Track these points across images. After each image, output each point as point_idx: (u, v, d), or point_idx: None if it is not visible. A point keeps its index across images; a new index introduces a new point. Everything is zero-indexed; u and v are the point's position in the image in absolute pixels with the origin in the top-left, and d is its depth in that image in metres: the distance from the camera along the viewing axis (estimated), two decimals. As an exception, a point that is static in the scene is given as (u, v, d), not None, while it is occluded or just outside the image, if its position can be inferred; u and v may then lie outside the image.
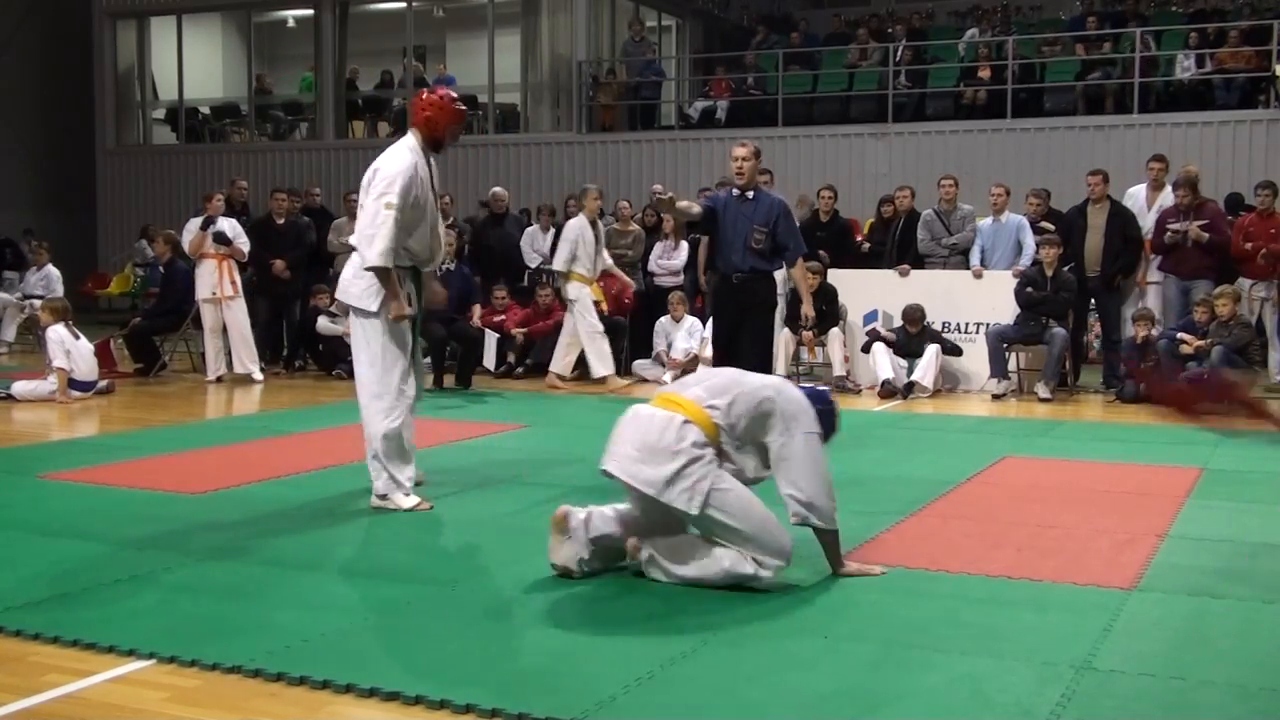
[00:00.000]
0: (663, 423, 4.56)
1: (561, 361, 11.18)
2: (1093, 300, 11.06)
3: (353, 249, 6.04)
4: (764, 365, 7.46)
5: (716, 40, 20.67)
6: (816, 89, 17.68)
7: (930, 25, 19.48)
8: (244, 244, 11.55)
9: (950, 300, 11.11)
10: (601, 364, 10.96)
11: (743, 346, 7.36)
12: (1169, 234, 10.52)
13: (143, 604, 4.38)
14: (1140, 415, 9.52)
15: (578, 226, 10.92)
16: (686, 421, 4.53)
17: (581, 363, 11.25)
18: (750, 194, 7.24)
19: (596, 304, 11.19)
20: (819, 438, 4.61)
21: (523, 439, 8.28)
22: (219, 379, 11.37)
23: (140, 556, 5.00)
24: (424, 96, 6.16)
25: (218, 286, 11.33)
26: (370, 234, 5.77)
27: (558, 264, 11.04)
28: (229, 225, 11.50)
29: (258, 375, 11.45)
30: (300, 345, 12.38)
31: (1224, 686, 3.63)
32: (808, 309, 7.92)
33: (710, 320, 7.97)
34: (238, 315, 11.44)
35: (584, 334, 10.97)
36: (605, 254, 11.34)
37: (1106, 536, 5.45)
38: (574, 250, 10.81)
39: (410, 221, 5.86)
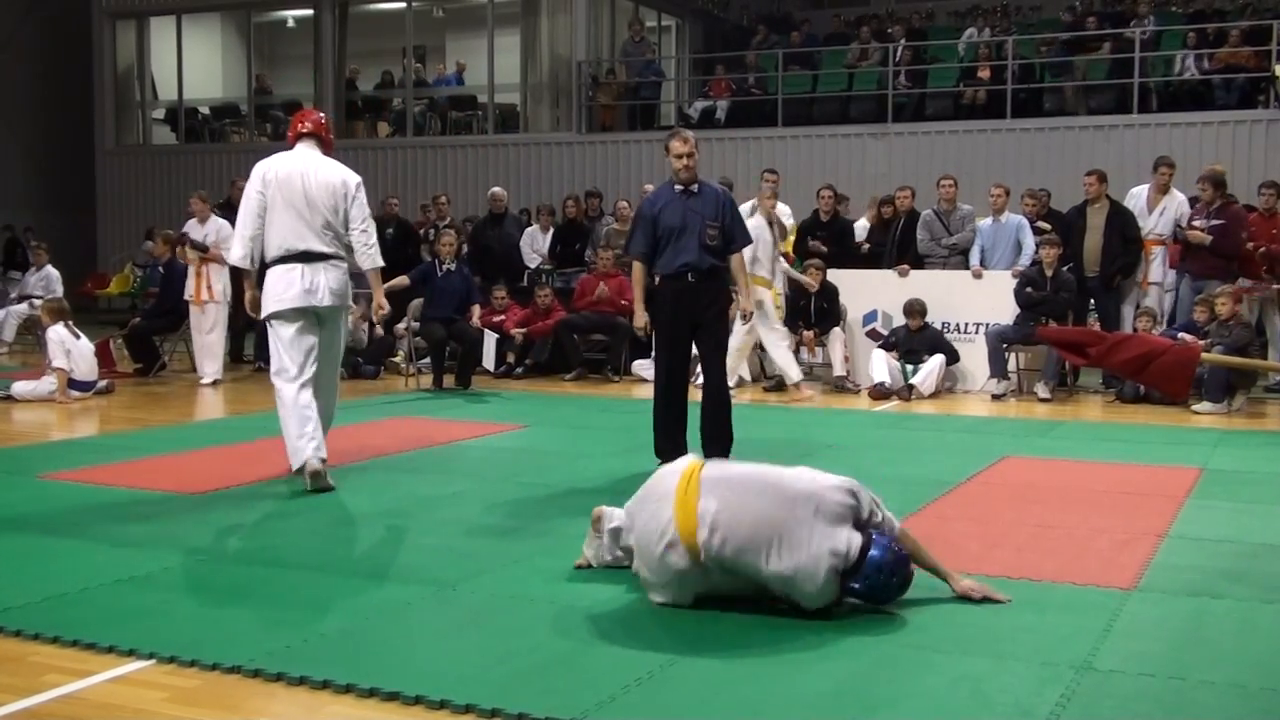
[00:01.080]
0: (657, 526, 4.27)
1: (733, 373, 10.14)
2: (1092, 300, 11.06)
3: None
4: (722, 367, 7.18)
5: (717, 40, 20.67)
6: (816, 89, 17.68)
7: (930, 25, 19.49)
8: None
9: (950, 300, 11.11)
10: (793, 370, 10.55)
11: (706, 351, 7.04)
12: (1178, 230, 10.64)
13: (143, 604, 4.38)
14: (1140, 415, 9.53)
15: (755, 226, 9.94)
16: (673, 544, 4.20)
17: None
18: (695, 188, 6.93)
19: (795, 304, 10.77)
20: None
21: (522, 439, 8.28)
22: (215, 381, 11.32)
23: (140, 556, 5.00)
24: (323, 117, 6.99)
25: (194, 293, 11.28)
26: (375, 243, 6.66)
27: None
28: (216, 227, 11.40)
29: (205, 379, 11.18)
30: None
31: (1224, 686, 3.64)
32: (745, 303, 7.38)
33: (656, 326, 7.10)
34: (204, 320, 11.23)
35: (769, 342, 10.52)
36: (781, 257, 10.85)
37: (1106, 536, 5.45)
38: (754, 252, 9.81)
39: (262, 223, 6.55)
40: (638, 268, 7.09)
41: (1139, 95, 15.32)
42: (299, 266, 6.34)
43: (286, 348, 6.38)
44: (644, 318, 7.10)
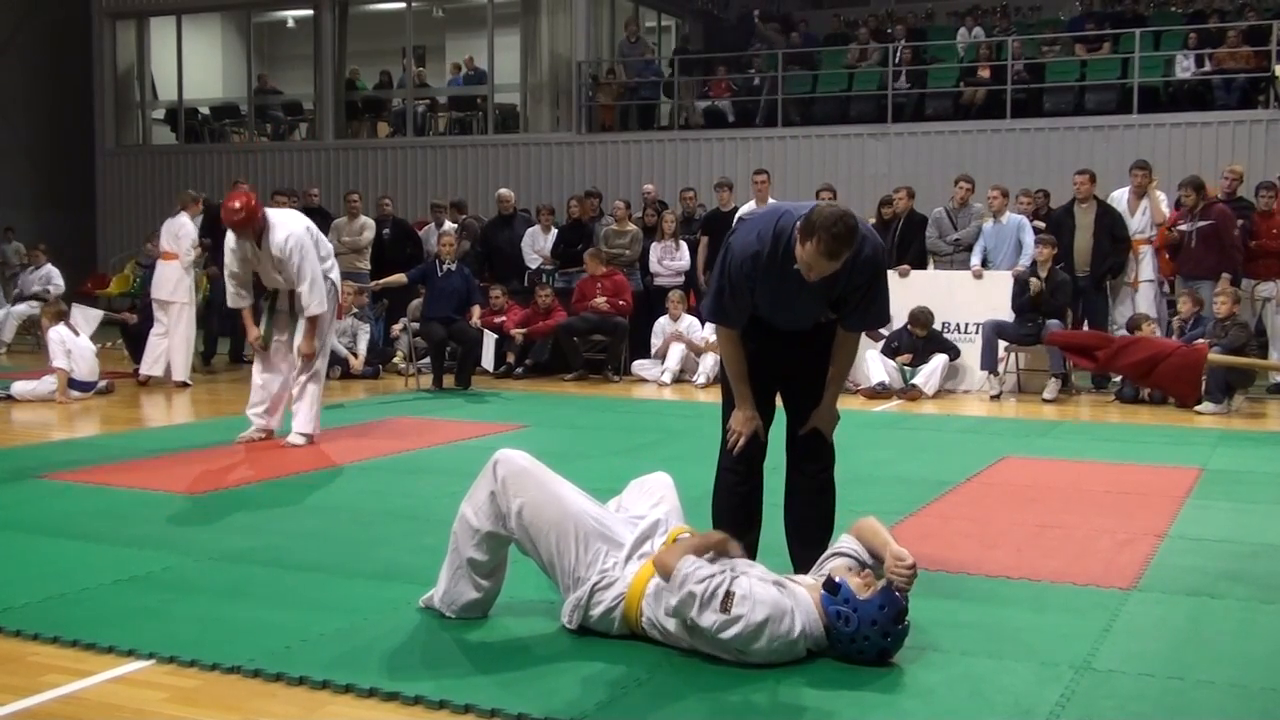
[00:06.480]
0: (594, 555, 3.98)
1: None
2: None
3: None
4: (822, 439, 4.59)
5: (716, 40, 20.67)
6: (816, 89, 17.68)
7: (930, 25, 19.48)
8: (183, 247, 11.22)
9: (950, 300, 11.10)
10: None
11: (799, 411, 4.59)
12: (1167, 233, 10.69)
13: (143, 604, 4.38)
14: (1140, 415, 9.53)
15: None
16: (615, 590, 3.96)
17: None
18: None
19: None
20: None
21: (522, 439, 8.26)
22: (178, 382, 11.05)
23: (140, 556, 5.00)
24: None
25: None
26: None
27: None
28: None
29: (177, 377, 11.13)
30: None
31: (1223, 686, 3.64)
32: (825, 424, 4.57)
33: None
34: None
35: None
36: None
37: (1106, 536, 5.45)
38: None
39: (244, 274, 7.93)
40: (726, 339, 4.55)
41: (1139, 95, 15.31)
42: None
43: None
44: (752, 415, 4.52)
